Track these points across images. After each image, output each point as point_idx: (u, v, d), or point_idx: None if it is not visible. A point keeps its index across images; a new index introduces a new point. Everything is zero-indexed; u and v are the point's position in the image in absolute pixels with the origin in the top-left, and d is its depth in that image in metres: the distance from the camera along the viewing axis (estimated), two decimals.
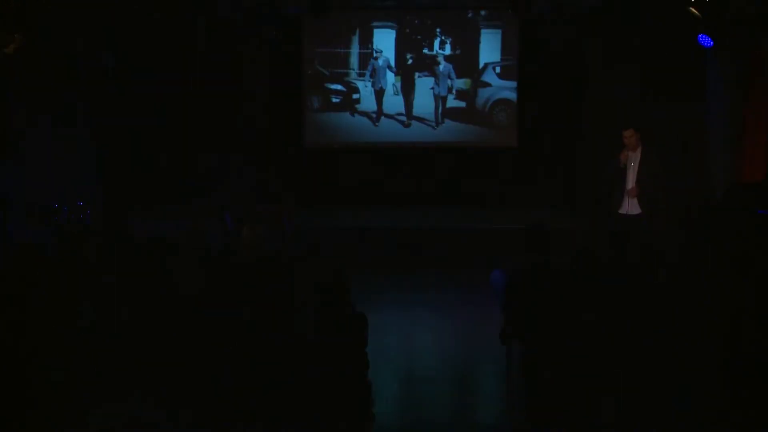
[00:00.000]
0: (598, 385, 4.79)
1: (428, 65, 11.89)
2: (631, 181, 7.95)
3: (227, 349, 4.63)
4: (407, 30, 11.89)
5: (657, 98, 10.66)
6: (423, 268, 9.82)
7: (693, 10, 9.14)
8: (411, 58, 11.90)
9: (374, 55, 11.88)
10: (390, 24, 11.89)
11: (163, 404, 4.59)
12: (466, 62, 11.87)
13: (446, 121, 11.96)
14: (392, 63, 11.90)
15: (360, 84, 12.00)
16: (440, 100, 11.92)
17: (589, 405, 4.77)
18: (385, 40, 11.90)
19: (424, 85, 11.92)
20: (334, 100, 12.07)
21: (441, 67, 11.85)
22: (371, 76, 11.92)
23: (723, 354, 4.55)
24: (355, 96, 12.02)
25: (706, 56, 10.19)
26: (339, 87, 12.06)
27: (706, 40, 9.39)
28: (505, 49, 11.80)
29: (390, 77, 11.93)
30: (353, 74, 12.02)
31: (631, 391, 4.68)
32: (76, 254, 5.83)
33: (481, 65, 11.86)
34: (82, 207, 8.67)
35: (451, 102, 11.93)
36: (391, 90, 11.94)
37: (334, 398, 4.48)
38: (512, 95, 11.86)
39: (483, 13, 11.79)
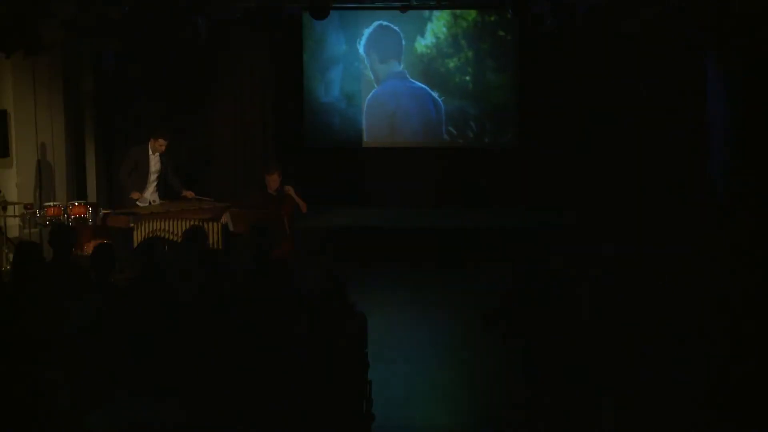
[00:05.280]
0: (598, 385, 4.79)
1: (428, 65, 11.88)
2: None
3: (226, 349, 4.62)
4: (408, 30, 11.88)
5: (657, 98, 10.66)
6: (423, 268, 9.82)
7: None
8: (411, 57, 11.89)
9: (366, 54, 11.89)
10: (391, 23, 11.88)
11: (161, 405, 4.58)
12: (466, 62, 11.86)
13: (446, 121, 11.95)
14: (392, 62, 11.89)
15: (361, 84, 12.00)
16: (441, 99, 11.90)
17: (589, 405, 4.76)
18: (385, 40, 11.90)
19: (424, 85, 11.92)
20: (335, 100, 12.06)
21: (441, 67, 11.84)
22: (364, 75, 11.93)
23: (725, 353, 4.55)
24: (357, 96, 12.01)
25: (706, 56, 10.19)
26: (341, 87, 12.04)
27: None
28: (505, 49, 11.79)
29: (390, 76, 11.92)
30: (354, 75, 12.01)
31: (631, 391, 4.68)
32: (73, 254, 5.82)
33: (481, 65, 11.85)
34: (81, 207, 8.65)
35: (452, 102, 11.92)
36: (392, 90, 11.93)
37: (334, 398, 4.47)
38: (512, 95, 11.84)
39: (483, 13, 11.77)
